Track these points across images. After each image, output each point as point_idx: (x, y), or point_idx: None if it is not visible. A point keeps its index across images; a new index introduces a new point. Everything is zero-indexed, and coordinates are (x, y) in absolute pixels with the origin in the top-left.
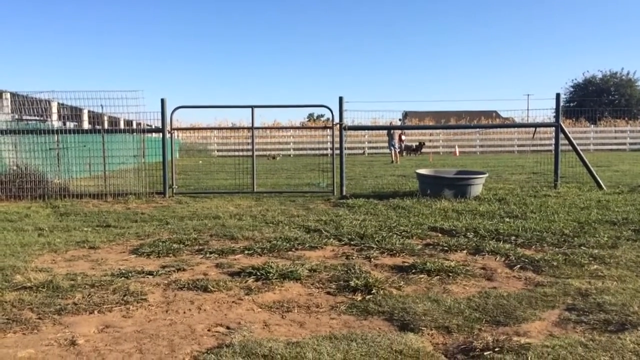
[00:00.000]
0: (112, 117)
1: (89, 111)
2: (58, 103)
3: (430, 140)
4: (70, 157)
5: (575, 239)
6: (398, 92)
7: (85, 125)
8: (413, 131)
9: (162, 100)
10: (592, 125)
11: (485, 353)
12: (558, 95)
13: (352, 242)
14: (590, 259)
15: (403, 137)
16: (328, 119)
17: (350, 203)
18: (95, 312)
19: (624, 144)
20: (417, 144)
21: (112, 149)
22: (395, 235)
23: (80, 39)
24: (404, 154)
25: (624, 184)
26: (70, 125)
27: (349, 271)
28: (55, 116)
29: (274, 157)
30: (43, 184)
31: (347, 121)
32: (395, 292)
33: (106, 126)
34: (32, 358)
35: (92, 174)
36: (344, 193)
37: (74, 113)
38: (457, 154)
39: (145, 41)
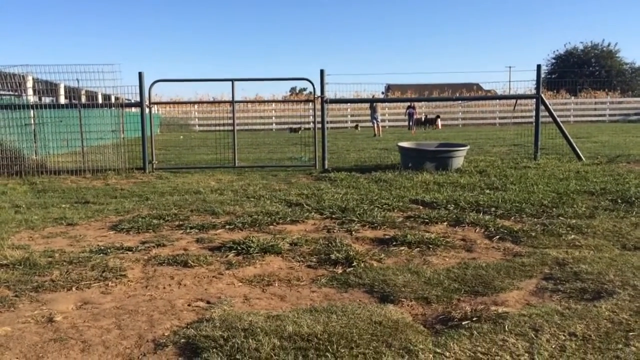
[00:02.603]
0: (90, 92)
1: (65, 86)
2: (33, 78)
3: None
4: (47, 132)
5: (554, 209)
6: (381, 65)
7: (62, 100)
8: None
9: (140, 74)
10: (573, 97)
11: (463, 323)
12: (539, 66)
13: (333, 216)
14: (568, 229)
15: (412, 111)
16: (310, 92)
17: (332, 177)
18: (74, 288)
19: (604, 115)
20: (426, 116)
21: (89, 124)
22: (376, 208)
23: (54, 12)
24: (414, 128)
25: (602, 155)
26: (47, 100)
27: (330, 244)
28: (30, 91)
29: (295, 130)
30: (20, 161)
31: (330, 94)
32: (376, 264)
33: (83, 101)
34: (9, 335)
35: (70, 149)
36: (326, 167)
37: (50, 88)
38: (440, 126)
39: (123, 14)
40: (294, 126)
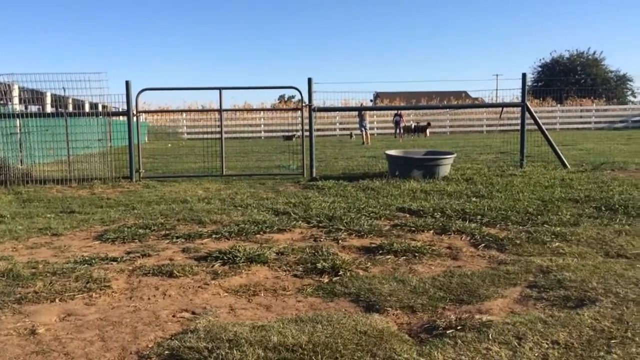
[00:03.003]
0: (77, 100)
1: (52, 94)
2: (19, 86)
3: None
4: (32, 141)
5: (539, 217)
6: (369, 73)
7: (48, 108)
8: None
9: (127, 83)
10: (559, 105)
11: (448, 331)
12: (524, 75)
13: (320, 224)
14: (553, 236)
15: (398, 119)
16: (299, 100)
17: (320, 185)
18: (57, 300)
19: (589, 122)
20: (417, 124)
21: (76, 133)
22: (363, 217)
23: (41, 21)
24: (402, 136)
25: (587, 162)
26: (33, 108)
27: (316, 253)
28: (16, 100)
29: (289, 138)
30: (5, 170)
31: (318, 102)
32: (362, 273)
33: (70, 109)
34: None
35: (56, 158)
36: (314, 175)
37: (36, 96)
38: (428, 134)
39: (110, 21)
40: (288, 134)
